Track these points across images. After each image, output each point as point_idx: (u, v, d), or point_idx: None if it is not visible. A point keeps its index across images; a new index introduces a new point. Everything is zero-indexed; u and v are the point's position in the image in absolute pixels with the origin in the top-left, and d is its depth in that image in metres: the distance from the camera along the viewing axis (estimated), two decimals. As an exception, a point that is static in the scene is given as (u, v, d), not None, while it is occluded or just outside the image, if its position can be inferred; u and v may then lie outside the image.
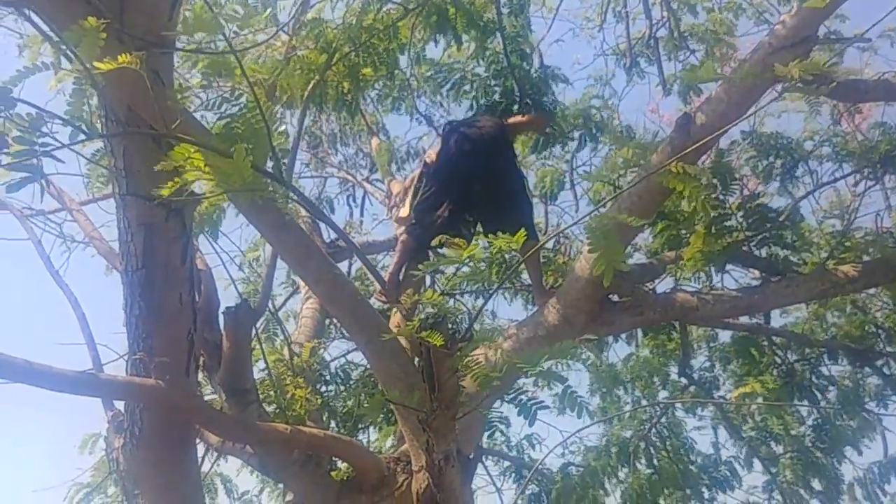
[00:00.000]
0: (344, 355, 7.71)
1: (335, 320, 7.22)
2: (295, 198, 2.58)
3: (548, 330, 4.22)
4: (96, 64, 2.28)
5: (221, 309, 4.28)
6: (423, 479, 3.20)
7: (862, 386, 6.77)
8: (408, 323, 2.62)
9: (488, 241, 4.18)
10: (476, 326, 5.92)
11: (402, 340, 3.62)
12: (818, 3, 1.72)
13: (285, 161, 3.47)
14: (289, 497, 4.48)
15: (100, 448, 6.38)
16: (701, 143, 2.79)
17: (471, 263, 2.55)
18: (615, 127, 7.24)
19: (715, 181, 4.78)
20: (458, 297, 6.66)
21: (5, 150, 1.81)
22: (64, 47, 3.05)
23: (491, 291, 4.95)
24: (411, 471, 3.97)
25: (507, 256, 5.14)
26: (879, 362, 6.40)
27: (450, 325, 2.64)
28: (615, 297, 4.58)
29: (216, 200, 2.25)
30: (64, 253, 5.77)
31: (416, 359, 3.54)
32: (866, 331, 6.31)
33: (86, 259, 6.15)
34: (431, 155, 5.71)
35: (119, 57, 2.30)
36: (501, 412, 5.45)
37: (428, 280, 6.37)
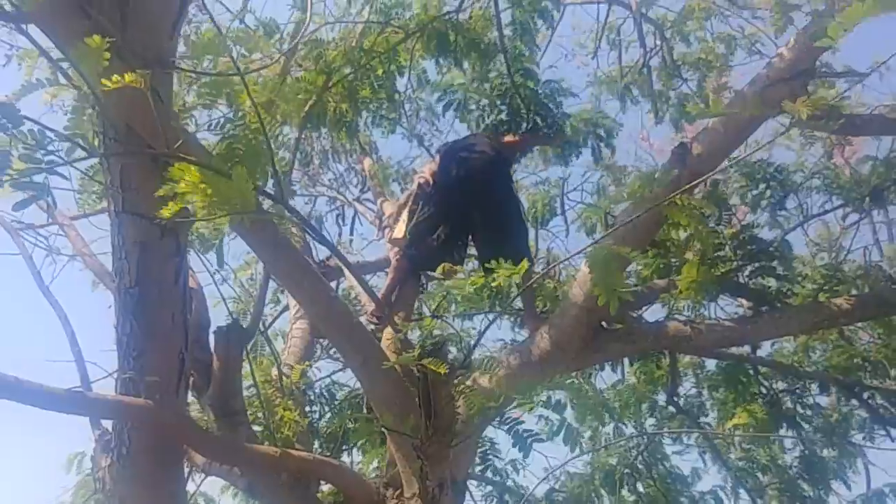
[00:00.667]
0: (329, 375, 7.69)
1: (323, 341, 7.22)
2: (295, 219, 2.57)
3: (540, 356, 4.19)
4: (103, 82, 2.26)
5: (212, 328, 4.25)
6: (415, 505, 3.19)
7: (848, 418, 6.79)
8: (408, 350, 2.60)
9: (486, 268, 4.19)
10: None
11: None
12: (828, 41, 1.73)
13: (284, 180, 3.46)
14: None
15: (85, 467, 6.30)
16: (703, 178, 2.79)
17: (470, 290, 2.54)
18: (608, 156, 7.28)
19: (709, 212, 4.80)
20: (446, 319, 6.64)
21: (9, 170, 1.78)
22: (63, 63, 3.06)
23: (490, 319, 4.94)
24: (400, 496, 3.94)
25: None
26: (866, 395, 6.42)
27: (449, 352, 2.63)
28: (606, 325, 4.59)
29: (220, 223, 2.23)
30: (50, 266, 5.74)
31: (409, 382, 3.53)
32: (853, 363, 6.32)
33: (72, 273, 6.12)
34: (423, 174, 5.71)
35: (125, 76, 2.28)
36: (493, 439, 5.40)
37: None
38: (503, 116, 6.02)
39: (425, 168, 5.86)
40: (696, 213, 2.27)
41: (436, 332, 3.96)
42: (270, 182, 2.59)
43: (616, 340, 4.45)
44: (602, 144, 6.55)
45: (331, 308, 3.37)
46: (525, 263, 2.48)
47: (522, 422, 3.01)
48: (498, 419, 3.17)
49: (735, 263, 4.86)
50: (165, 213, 2.15)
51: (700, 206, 2.78)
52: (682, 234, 5.81)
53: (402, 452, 3.40)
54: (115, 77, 2.32)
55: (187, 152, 2.51)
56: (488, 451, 3.70)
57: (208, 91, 2.68)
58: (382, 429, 3.71)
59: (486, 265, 2.90)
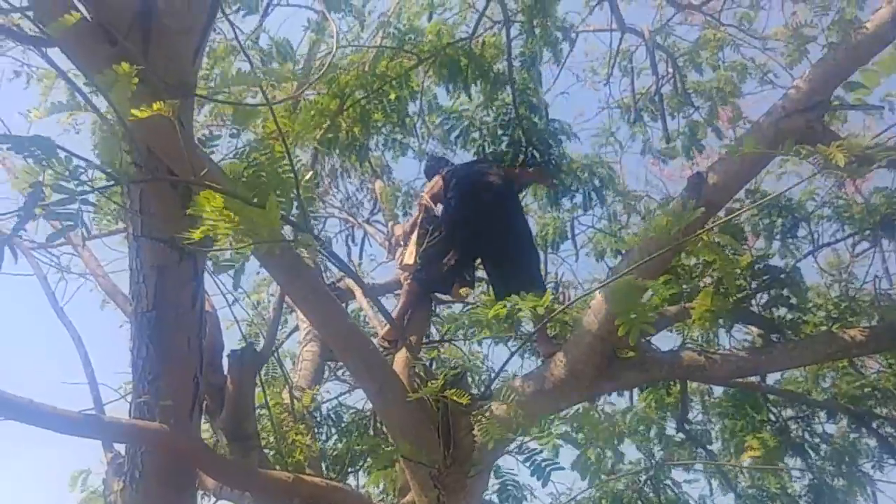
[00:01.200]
0: (337, 397, 7.67)
1: (332, 363, 7.21)
2: (320, 249, 2.58)
3: (554, 384, 4.18)
4: (132, 111, 2.28)
5: (226, 351, 4.25)
6: (430, 535, 3.17)
7: (857, 446, 6.75)
8: (427, 378, 2.60)
9: (499, 295, 4.18)
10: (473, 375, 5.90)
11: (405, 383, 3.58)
12: (864, 91, 1.74)
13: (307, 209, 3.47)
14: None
15: (89, 485, 6.28)
16: (723, 219, 2.79)
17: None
18: (617, 183, 7.32)
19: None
20: (458, 345, 6.64)
21: (42, 201, 1.79)
22: (83, 86, 3.08)
23: (512, 350, 4.95)
24: (413, 524, 3.93)
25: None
26: (875, 423, 6.40)
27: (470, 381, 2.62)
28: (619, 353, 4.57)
29: (243, 249, 2.23)
30: (58, 283, 5.75)
31: (424, 410, 3.52)
32: (863, 391, 6.30)
33: (82, 292, 6.12)
34: (426, 196, 5.73)
35: (153, 104, 2.30)
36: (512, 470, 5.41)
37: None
38: (503, 147, 6.08)
39: (425, 191, 5.88)
40: (718, 248, 2.28)
41: (455, 360, 3.96)
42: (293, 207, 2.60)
43: (630, 369, 4.43)
44: (594, 194, 6.62)
45: (348, 334, 3.37)
46: (549, 295, 2.48)
47: (540, 451, 3.00)
48: (516, 449, 3.16)
49: (749, 292, 4.85)
50: (196, 234, 2.15)
51: (726, 243, 2.79)
52: (693, 261, 5.84)
53: (417, 481, 3.38)
54: (134, 102, 2.33)
55: (212, 179, 2.52)
56: (508, 483, 3.66)
57: (235, 121, 2.70)
58: (396, 455, 3.69)
59: (507, 296, 2.91)
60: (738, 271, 4.68)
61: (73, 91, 4.49)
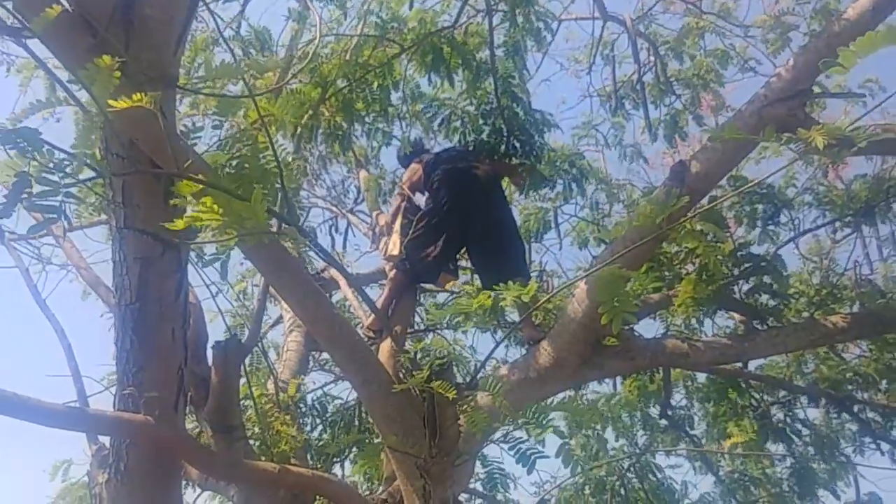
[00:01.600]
0: (321, 387, 7.68)
1: (316, 353, 7.21)
2: (306, 241, 2.57)
3: (539, 372, 4.19)
4: (111, 102, 2.26)
5: (210, 343, 4.24)
6: (416, 524, 3.18)
7: (838, 431, 6.84)
8: (413, 369, 2.61)
9: (486, 285, 4.19)
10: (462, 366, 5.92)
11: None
12: (840, 70, 1.76)
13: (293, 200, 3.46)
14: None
15: (70, 475, 6.27)
16: (705, 207, 2.81)
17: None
18: (599, 172, 7.35)
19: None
20: (442, 335, 6.66)
21: (27, 192, 1.78)
22: (63, 77, 3.05)
23: (497, 339, 4.96)
24: (399, 512, 3.94)
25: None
26: (856, 408, 6.48)
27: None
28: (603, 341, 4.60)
29: (228, 242, 2.23)
30: (38, 274, 5.70)
31: (409, 401, 3.53)
32: (844, 377, 6.38)
33: (63, 283, 6.09)
34: (406, 186, 5.73)
35: (135, 96, 2.28)
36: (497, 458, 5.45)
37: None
38: (484, 136, 6.08)
39: (404, 179, 5.87)
40: (701, 235, 2.30)
41: (440, 350, 3.97)
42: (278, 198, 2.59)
43: (615, 357, 4.45)
44: (574, 186, 6.64)
45: (333, 325, 3.36)
46: (534, 285, 2.49)
47: (525, 440, 3.02)
48: (501, 437, 3.18)
49: (731, 279, 4.89)
50: (179, 224, 2.14)
51: (709, 230, 2.80)
52: (675, 249, 5.87)
53: (403, 470, 3.39)
54: (123, 98, 2.32)
55: (196, 171, 2.51)
56: (495, 471, 3.68)
57: (217, 112, 2.68)
58: (381, 445, 3.70)
59: (492, 285, 2.92)
60: (721, 258, 4.70)
61: (52, 81, 4.47)
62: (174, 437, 3.45)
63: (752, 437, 6.06)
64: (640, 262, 4.01)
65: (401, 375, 3.45)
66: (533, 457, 2.91)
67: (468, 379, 2.92)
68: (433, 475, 2.86)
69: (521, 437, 3.03)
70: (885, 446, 6.49)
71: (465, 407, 2.84)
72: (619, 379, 7.29)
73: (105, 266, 5.00)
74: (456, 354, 3.69)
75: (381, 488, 4.55)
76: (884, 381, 6.26)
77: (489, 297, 2.62)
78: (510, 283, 2.94)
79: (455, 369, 3.92)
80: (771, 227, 6.27)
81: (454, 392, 2.61)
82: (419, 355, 3.63)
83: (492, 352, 3.58)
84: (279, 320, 7.11)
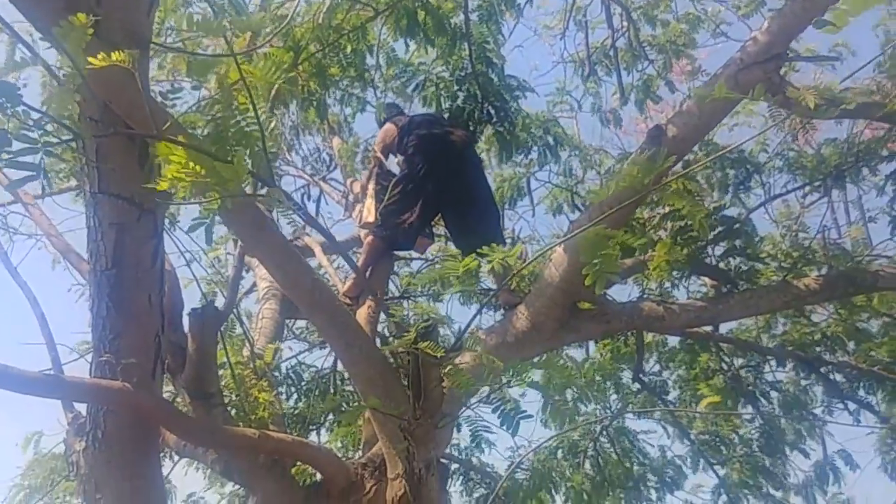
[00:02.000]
0: (296, 356, 7.67)
1: (290, 322, 7.19)
2: (288, 203, 2.55)
3: (516, 336, 4.23)
4: (90, 60, 2.21)
5: (186, 310, 4.20)
6: (399, 486, 3.20)
7: (806, 392, 6.98)
8: (398, 332, 2.61)
9: (462, 249, 4.18)
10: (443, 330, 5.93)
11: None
12: (833, 28, 1.76)
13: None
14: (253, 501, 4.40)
15: (42, 447, 6.22)
16: (681, 172, 2.83)
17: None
18: (573, 138, 7.36)
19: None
20: (416, 300, 6.65)
21: (7, 150, 1.73)
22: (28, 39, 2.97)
23: (474, 303, 4.98)
24: (379, 477, 3.95)
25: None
26: (824, 369, 6.61)
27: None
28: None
29: (211, 204, 2.19)
30: (9, 244, 5.61)
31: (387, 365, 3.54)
32: (812, 339, 6.50)
33: (33, 252, 6.01)
34: (379, 147, 5.68)
35: (112, 55, 2.23)
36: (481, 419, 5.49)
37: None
38: (459, 102, 6.04)
39: (376, 145, 5.83)
40: (687, 194, 2.32)
41: (417, 316, 3.98)
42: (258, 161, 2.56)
43: (591, 320, 4.49)
44: (548, 152, 6.64)
45: (313, 290, 3.34)
46: (520, 246, 2.50)
47: (509, 400, 3.04)
48: (485, 399, 3.20)
49: (704, 243, 4.93)
50: (161, 185, 2.10)
51: (696, 190, 2.82)
52: (647, 214, 5.91)
53: (386, 433, 3.40)
54: (101, 55, 2.26)
55: (173, 133, 2.46)
56: (479, 429, 3.72)
57: (193, 73, 2.63)
58: (362, 410, 3.70)
59: (468, 251, 2.92)
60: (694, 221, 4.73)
61: (15, 43, 4.34)
62: (153, 404, 3.42)
63: (723, 398, 6.16)
64: (618, 227, 4.02)
65: (384, 337, 3.45)
66: (517, 417, 2.94)
67: (449, 344, 2.94)
68: (417, 437, 2.88)
69: (504, 398, 3.06)
70: (852, 406, 6.64)
71: (448, 369, 2.85)
72: (592, 346, 7.40)
73: (75, 234, 4.93)
74: (441, 317, 3.71)
75: (359, 453, 4.57)
76: (851, 343, 6.39)
77: (475, 260, 2.63)
78: (486, 248, 2.94)
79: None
80: (742, 192, 6.35)
81: (442, 351, 2.62)
82: (403, 319, 3.66)
83: (475, 316, 3.60)
84: (252, 288, 7.06)
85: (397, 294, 7.00)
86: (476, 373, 3.20)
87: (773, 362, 7.00)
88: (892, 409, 6.27)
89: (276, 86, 4.53)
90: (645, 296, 5.60)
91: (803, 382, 6.95)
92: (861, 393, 6.48)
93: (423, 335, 2.72)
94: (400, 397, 3.24)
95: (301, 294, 3.37)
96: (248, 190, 2.79)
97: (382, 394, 3.28)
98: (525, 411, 2.99)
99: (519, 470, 6.95)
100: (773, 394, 7.03)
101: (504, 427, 2.94)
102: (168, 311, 4.05)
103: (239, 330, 5.25)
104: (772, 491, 6.69)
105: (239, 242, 4.89)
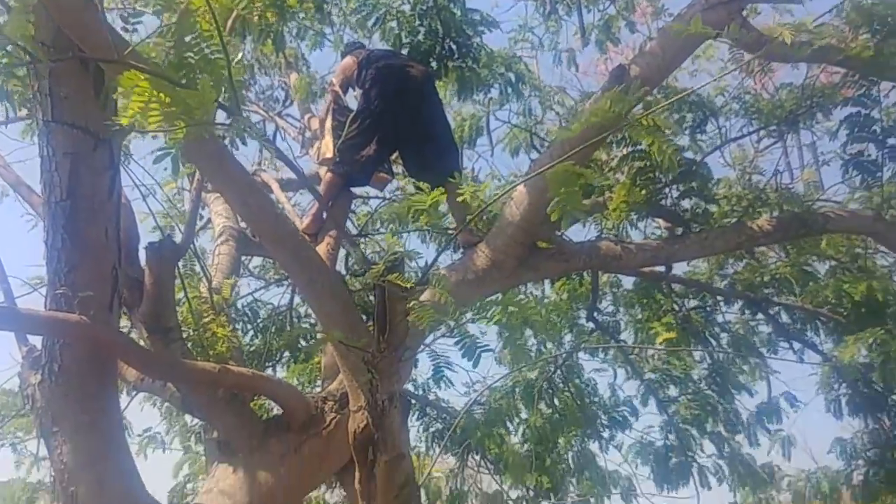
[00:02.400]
0: (252, 293, 7.65)
1: (246, 259, 7.15)
2: (253, 132, 2.50)
3: (476, 274, 4.26)
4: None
5: (142, 244, 4.14)
6: (361, 418, 3.23)
7: (754, 332, 7.18)
8: (373, 265, 2.61)
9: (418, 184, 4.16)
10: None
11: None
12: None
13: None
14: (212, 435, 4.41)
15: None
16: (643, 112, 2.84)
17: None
18: (533, 77, 7.31)
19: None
20: (372, 237, 6.66)
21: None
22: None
23: (447, 238, 4.98)
24: (340, 410, 3.99)
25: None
26: (772, 311, 6.80)
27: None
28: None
29: (177, 134, 2.14)
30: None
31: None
32: (762, 281, 6.66)
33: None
34: (338, 81, 5.59)
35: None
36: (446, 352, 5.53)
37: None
38: (420, 37, 5.94)
39: (335, 78, 5.73)
40: (657, 129, 2.35)
41: (384, 248, 3.97)
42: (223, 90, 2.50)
43: (550, 259, 4.54)
44: (510, 90, 6.60)
45: (276, 224, 3.31)
46: (487, 184, 2.50)
47: (472, 334, 3.08)
48: (448, 332, 3.24)
49: (663, 184, 4.99)
50: (124, 120, 2.05)
51: (665, 126, 2.84)
52: (604, 157, 5.96)
53: (348, 366, 3.41)
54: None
55: (133, 60, 2.39)
56: (441, 363, 3.77)
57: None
58: (324, 341, 3.68)
59: (444, 184, 2.92)
60: (654, 163, 4.78)
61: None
62: (110, 337, 3.40)
63: (675, 335, 6.31)
64: (581, 165, 4.04)
65: (342, 275, 3.44)
66: (478, 350, 2.98)
67: (419, 277, 2.96)
68: (380, 370, 2.89)
69: (466, 332, 3.10)
70: (797, 347, 6.85)
71: (413, 304, 2.87)
72: (548, 287, 7.49)
73: (25, 165, 4.80)
74: (409, 252, 3.72)
75: (317, 390, 4.61)
76: (799, 287, 6.57)
77: (443, 192, 2.62)
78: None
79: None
80: (699, 135, 6.41)
81: (410, 283, 2.63)
82: (351, 258, 3.64)
83: (443, 248, 3.61)
84: (207, 225, 6.98)
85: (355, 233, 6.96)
86: (439, 308, 3.22)
87: (723, 305, 7.19)
88: (834, 349, 6.47)
89: (234, 13, 4.42)
90: (602, 236, 5.66)
91: (751, 323, 7.13)
92: (807, 335, 6.71)
93: (391, 268, 2.73)
94: (362, 331, 3.26)
95: (264, 228, 3.34)
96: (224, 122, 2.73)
97: (345, 328, 3.28)
98: (487, 345, 3.03)
99: (476, 408, 7.08)
100: (723, 335, 7.22)
101: (465, 358, 2.98)
102: (125, 245, 3.99)
103: (196, 267, 5.19)
104: (719, 429, 6.90)
105: (196, 177, 4.82)
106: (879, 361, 5.53)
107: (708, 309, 7.30)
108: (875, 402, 6.39)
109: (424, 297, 3.57)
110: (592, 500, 7.21)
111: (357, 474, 3.44)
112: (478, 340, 3.15)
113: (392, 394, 2.96)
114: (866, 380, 6.31)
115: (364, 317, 3.69)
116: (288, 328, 7.13)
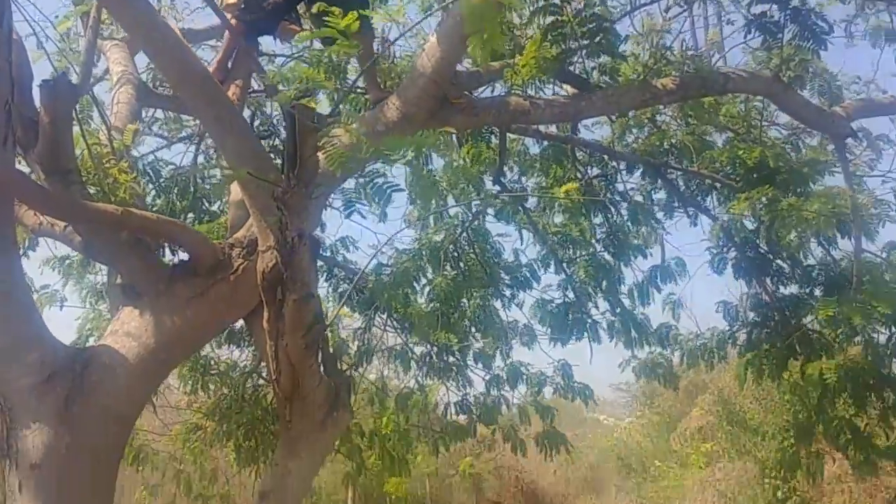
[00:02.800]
0: (153, 152, 7.41)
1: (148, 111, 6.89)
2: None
3: (386, 125, 4.21)
4: None
5: (36, 82, 3.93)
6: (270, 257, 3.24)
7: (651, 199, 7.44)
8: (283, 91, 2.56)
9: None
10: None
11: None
12: None
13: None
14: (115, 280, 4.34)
15: None
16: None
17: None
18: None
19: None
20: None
21: None
22: None
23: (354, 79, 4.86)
24: (247, 256, 3.98)
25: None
26: (671, 176, 7.04)
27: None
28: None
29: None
30: None
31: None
32: (662, 147, 6.86)
33: None
34: None
35: None
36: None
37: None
38: None
39: None
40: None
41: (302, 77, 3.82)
42: None
43: (460, 113, 4.54)
44: None
45: (183, 61, 3.19)
46: (400, 8, 2.46)
47: (382, 175, 3.09)
48: (358, 174, 3.23)
49: (572, 44, 4.98)
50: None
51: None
52: (515, 18, 5.90)
53: (257, 207, 3.37)
54: None
55: None
56: (352, 201, 3.77)
57: None
58: (234, 177, 3.60)
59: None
60: (566, 20, 4.76)
61: None
62: (5, 173, 3.28)
63: (576, 205, 6.49)
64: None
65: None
66: (389, 190, 3.00)
67: (331, 109, 2.91)
68: (290, 206, 2.89)
69: (377, 171, 3.11)
70: (691, 212, 7.15)
71: (324, 140, 2.84)
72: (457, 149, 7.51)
73: None
74: (318, 82, 3.61)
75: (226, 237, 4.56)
76: (696, 154, 6.79)
77: (355, 17, 2.56)
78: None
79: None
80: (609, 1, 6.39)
81: (317, 104, 2.60)
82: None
83: (358, 78, 3.53)
84: (105, 76, 6.65)
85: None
86: (350, 148, 3.20)
87: (624, 173, 7.39)
88: (723, 211, 6.78)
89: None
90: (512, 92, 5.67)
91: (649, 188, 7.38)
92: (702, 199, 7.00)
93: (300, 97, 2.68)
94: (271, 168, 3.23)
95: (169, 63, 3.23)
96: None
97: (254, 167, 3.24)
98: (398, 185, 3.05)
99: (385, 270, 7.18)
100: (623, 204, 7.44)
101: (376, 199, 3.00)
102: (17, 82, 3.79)
103: (95, 114, 4.96)
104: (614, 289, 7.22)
105: (89, 18, 4.58)
106: (767, 221, 5.76)
107: (609, 178, 7.51)
108: (760, 266, 6.78)
109: (337, 136, 3.52)
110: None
111: (265, 314, 3.49)
112: (388, 181, 3.17)
113: (301, 231, 2.98)
114: (753, 244, 6.66)
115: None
116: (191, 189, 6.98)
